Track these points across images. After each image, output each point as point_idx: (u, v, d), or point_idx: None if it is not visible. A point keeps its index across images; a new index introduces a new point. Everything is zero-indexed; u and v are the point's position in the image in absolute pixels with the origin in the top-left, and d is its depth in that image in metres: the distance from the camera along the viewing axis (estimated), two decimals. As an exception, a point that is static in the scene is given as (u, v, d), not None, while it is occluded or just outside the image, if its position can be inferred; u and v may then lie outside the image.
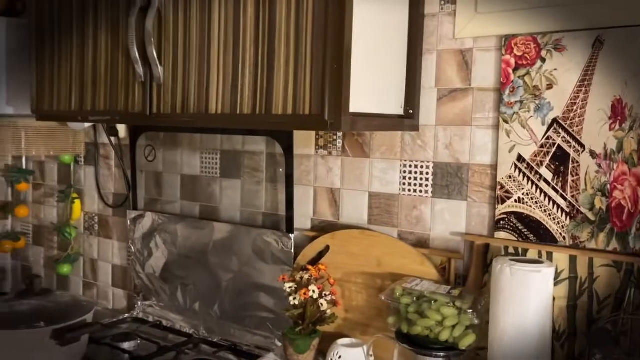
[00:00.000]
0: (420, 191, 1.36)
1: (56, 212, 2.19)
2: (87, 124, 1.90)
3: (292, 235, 1.50)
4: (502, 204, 1.24)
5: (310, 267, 1.38)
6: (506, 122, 1.22)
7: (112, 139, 1.90)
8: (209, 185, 1.75)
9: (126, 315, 1.82)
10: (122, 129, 1.89)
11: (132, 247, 1.85)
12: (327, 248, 1.45)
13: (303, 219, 1.56)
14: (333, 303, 1.34)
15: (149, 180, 1.89)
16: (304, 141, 1.54)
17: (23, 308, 1.65)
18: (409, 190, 1.38)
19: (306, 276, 1.36)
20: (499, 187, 1.24)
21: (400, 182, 1.39)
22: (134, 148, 1.86)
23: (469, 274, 1.29)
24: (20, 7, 1.92)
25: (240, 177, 1.68)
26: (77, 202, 2.06)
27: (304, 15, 1.05)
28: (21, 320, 1.58)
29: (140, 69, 1.29)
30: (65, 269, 2.07)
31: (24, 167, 2.26)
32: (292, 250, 1.49)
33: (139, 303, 1.84)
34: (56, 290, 2.11)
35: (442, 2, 1.30)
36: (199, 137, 1.76)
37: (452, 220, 1.33)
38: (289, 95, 1.08)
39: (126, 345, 1.57)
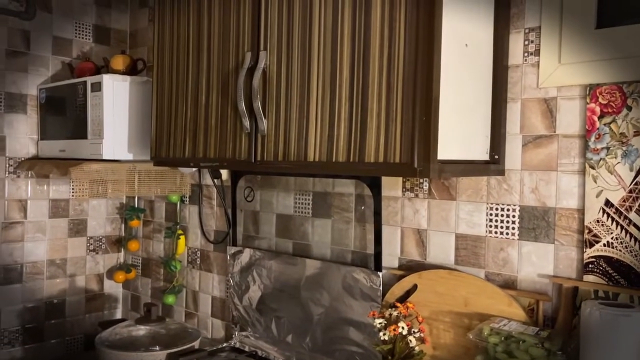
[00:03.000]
0: (507, 233, 1.41)
1: (163, 247, 2.41)
2: (194, 168, 2.11)
3: (380, 273, 1.58)
4: (590, 248, 1.26)
5: (399, 304, 1.45)
6: (592, 167, 1.25)
7: (216, 180, 2.10)
8: (302, 224, 1.88)
9: (225, 344, 1.97)
10: (224, 172, 2.08)
11: (231, 281, 2.01)
12: (415, 287, 1.52)
13: (390, 258, 1.64)
14: (421, 340, 1.40)
15: (247, 219, 2.06)
16: (391, 184, 1.64)
17: (140, 333, 1.84)
18: (496, 232, 1.43)
19: (395, 313, 1.43)
20: (586, 231, 1.27)
21: (486, 224, 1.44)
22: (234, 189, 2.04)
23: (558, 316, 1.31)
24: (140, 66, 2.20)
25: (331, 216, 1.80)
26: (182, 238, 2.27)
27: (395, 73, 1.16)
28: (140, 343, 1.77)
29: (246, 122, 1.45)
30: (170, 299, 2.26)
31: (136, 205, 2.53)
32: (381, 288, 1.57)
33: (236, 333, 1.98)
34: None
35: (526, 54, 1.37)
36: (293, 180, 1.91)
37: (539, 263, 1.36)
38: (381, 145, 1.19)
39: (226, 372, 1.71)
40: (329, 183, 1.80)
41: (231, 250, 2.02)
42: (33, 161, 2.24)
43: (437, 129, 1.15)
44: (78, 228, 2.46)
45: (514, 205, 1.40)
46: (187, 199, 2.29)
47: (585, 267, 1.27)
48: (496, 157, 1.38)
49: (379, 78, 1.19)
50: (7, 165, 2.24)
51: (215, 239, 2.17)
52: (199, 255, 2.25)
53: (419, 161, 1.14)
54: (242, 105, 1.45)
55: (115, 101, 1.98)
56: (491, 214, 1.43)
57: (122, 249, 2.60)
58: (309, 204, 1.86)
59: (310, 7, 1.31)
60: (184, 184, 2.26)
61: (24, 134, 2.29)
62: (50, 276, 2.37)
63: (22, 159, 2.28)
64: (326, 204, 1.81)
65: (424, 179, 1.57)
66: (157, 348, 1.75)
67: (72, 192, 2.43)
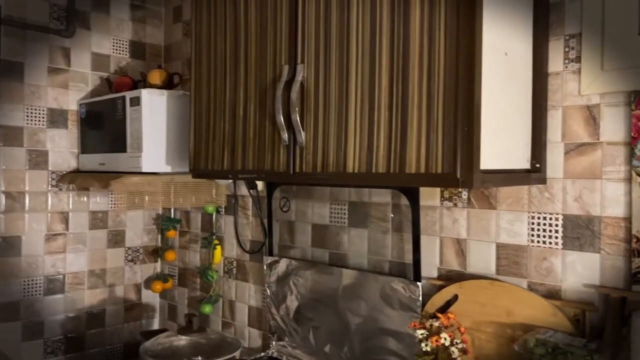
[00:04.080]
0: (550, 243, 1.39)
1: (199, 257, 2.45)
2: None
3: (419, 284, 1.57)
4: (638, 257, 1.23)
5: (440, 315, 1.44)
6: (639, 175, 1.23)
7: (252, 191, 2.13)
8: (338, 233, 1.89)
9: (262, 353, 1.98)
10: (260, 182, 2.10)
11: (268, 290, 2.03)
12: (456, 297, 1.51)
13: (429, 268, 1.63)
14: (464, 351, 1.39)
15: (282, 229, 2.07)
16: (429, 193, 1.63)
17: (181, 343, 1.87)
18: (538, 242, 1.41)
19: (436, 324, 1.42)
20: (634, 239, 1.24)
21: (528, 234, 1.43)
22: (270, 199, 2.06)
23: (605, 326, 1.28)
24: (177, 80, 2.24)
25: (367, 226, 1.80)
26: (218, 248, 2.30)
27: (435, 83, 1.16)
28: (182, 353, 1.80)
29: (285, 134, 1.47)
30: (207, 308, 2.29)
31: (172, 216, 2.57)
32: (420, 298, 1.56)
33: (273, 343, 2.00)
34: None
35: (566, 61, 1.35)
36: (329, 190, 1.92)
37: (584, 272, 1.33)
38: (422, 155, 1.19)
39: (266, 381, 1.72)
40: (365, 193, 1.81)
41: (268, 260, 2.04)
42: (74, 174, 2.30)
43: (480, 138, 1.14)
44: (116, 239, 2.51)
45: (557, 214, 1.38)
46: (223, 210, 2.32)
47: (633, 277, 1.24)
48: (537, 165, 1.36)
49: (419, 88, 1.19)
50: (50, 179, 2.31)
51: (251, 248, 2.20)
52: (235, 265, 2.27)
53: (462, 171, 1.13)
54: (281, 118, 1.46)
55: (154, 115, 2.02)
56: (533, 223, 1.42)
57: (159, 259, 2.64)
58: (344, 213, 1.87)
59: (348, 19, 1.32)
60: (220, 195, 2.29)
61: (65, 148, 2.35)
62: (90, 286, 2.43)
63: (64, 172, 2.35)
64: (362, 214, 1.81)
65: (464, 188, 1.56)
66: (199, 358, 1.77)
67: (111, 204, 2.48)
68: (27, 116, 2.25)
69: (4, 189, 2.19)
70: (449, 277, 1.58)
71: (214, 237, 2.32)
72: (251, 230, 2.20)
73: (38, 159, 2.28)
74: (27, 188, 2.25)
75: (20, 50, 2.22)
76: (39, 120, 2.28)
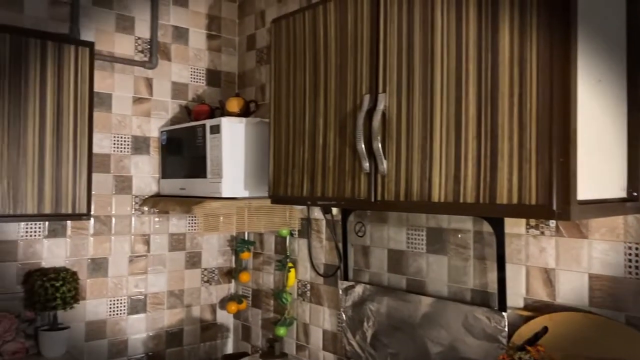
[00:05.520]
0: (650, 275, 1.32)
1: (272, 279, 2.49)
2: (305, 204, 2.16)
3: (505, 314, 1.53)
4: None
5: (529, 347, 1.40)
6: None
7: (327, 215, 2.15)
8: (415, 260, 1.87)
9: (339, 379, 1.98)
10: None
11: (344, 315, 2.03)
12: (545, 329, 1.45)
13: (515, 297, 1.58)
14: (557, 387, 1.33)
15: (357, 253, 2.07)
16: (513, 220, 1.59)
17: (262, 367, 1.91)
18: (637, 274, 1.34)
19: (525, 357, 1.38)
20: None
21: (625, 265, 1.36)
22: (345, 224, 2.07)
23: None
24: (253, 108, 2.31)
25: (447, 253, 1.77)
26: (292, 271, 2.33)
27: (527, 113, 1.14)
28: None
29: (366, 163, 1.48)
30: (282, 331, 2.32)
31: (247, 238, 2.63)
32: (506, 329, 1.52)
33: (350, 368, 1.99)
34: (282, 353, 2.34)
35: (665, 85, 1.29)
36: (405, 215, 1.91)
37: (690, 308, 1.25)
38: (514, 186, 1.16)
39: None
40: (444, 218, 1.78)
41: (343, 284, 2.04)
42: (156, 198, 2.41)
43: (576, 169, 1.11)
44: (193, 260, 2.60)
45: (658, 245, 1.31)
46: (296, 233, 2.35)
47: None
48: (635, 194, 1.30)
49: (510, 117, 1.17)
50: (133, 203, 2.42)
51: (325, 272, 2.21)
52: (308, 288, 2.29)
53: (558, 203, 1.10)
54: (362, 146, 1.47)
55: (233, 142, 2.09)
56: (630, 254, 1.35)
57: (233, 280, 2.71)
58: (422, 239, 1.85)
59: (432, 47, 1.32)
60: (294, 218, 2.32)
61: (147, 174, 2.47)
62: (170, 306, 2.52)
63: (146, 196, 2.46)
64: (441, 240, 1.78)
65: (551, 216, 1.51)
66: (281, 384, 1.80)
67: (189, 227, 2.57)
68: (114, 144, 2.38)
69: (94, 213, 2.32)
70: (536, 308, 1.53)
71: (288, 259, 2.35)
72: (325, 253, 2.22)
73: (123, 184, 2.40)
74: (113, 212, 2.37)
75: (109, 82, 2.36)
76: (124, 148, 2.40)
